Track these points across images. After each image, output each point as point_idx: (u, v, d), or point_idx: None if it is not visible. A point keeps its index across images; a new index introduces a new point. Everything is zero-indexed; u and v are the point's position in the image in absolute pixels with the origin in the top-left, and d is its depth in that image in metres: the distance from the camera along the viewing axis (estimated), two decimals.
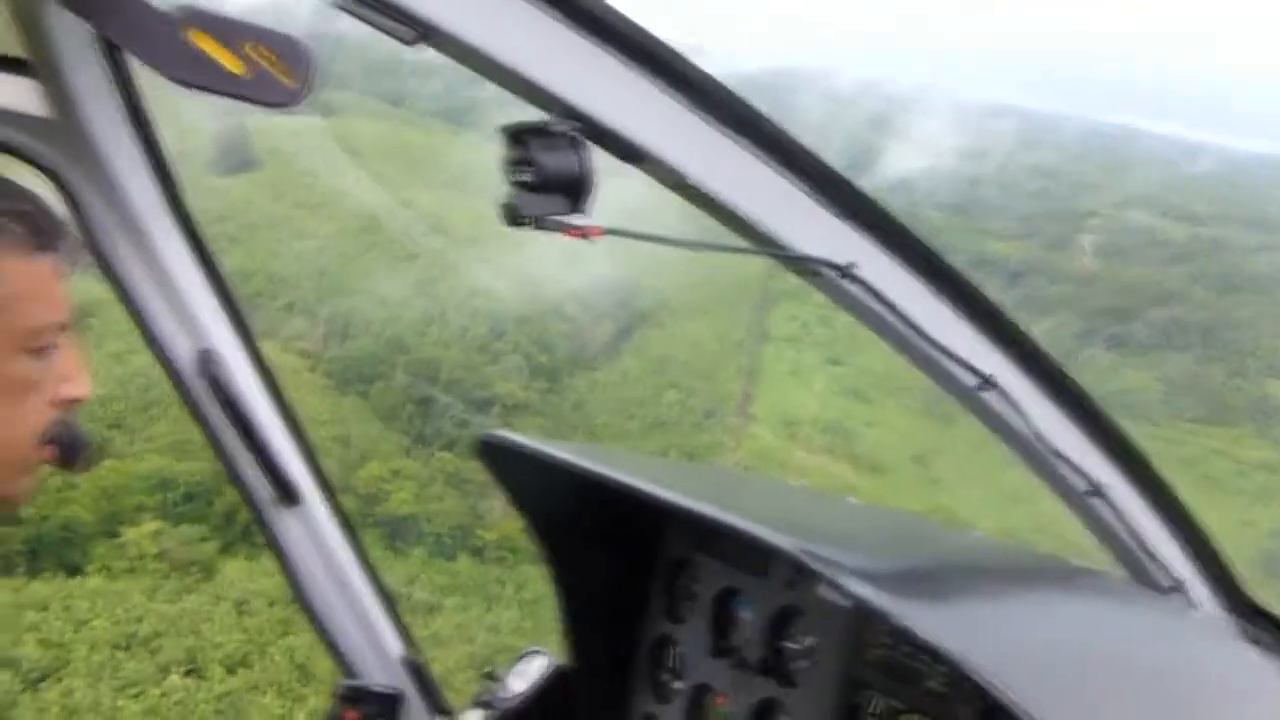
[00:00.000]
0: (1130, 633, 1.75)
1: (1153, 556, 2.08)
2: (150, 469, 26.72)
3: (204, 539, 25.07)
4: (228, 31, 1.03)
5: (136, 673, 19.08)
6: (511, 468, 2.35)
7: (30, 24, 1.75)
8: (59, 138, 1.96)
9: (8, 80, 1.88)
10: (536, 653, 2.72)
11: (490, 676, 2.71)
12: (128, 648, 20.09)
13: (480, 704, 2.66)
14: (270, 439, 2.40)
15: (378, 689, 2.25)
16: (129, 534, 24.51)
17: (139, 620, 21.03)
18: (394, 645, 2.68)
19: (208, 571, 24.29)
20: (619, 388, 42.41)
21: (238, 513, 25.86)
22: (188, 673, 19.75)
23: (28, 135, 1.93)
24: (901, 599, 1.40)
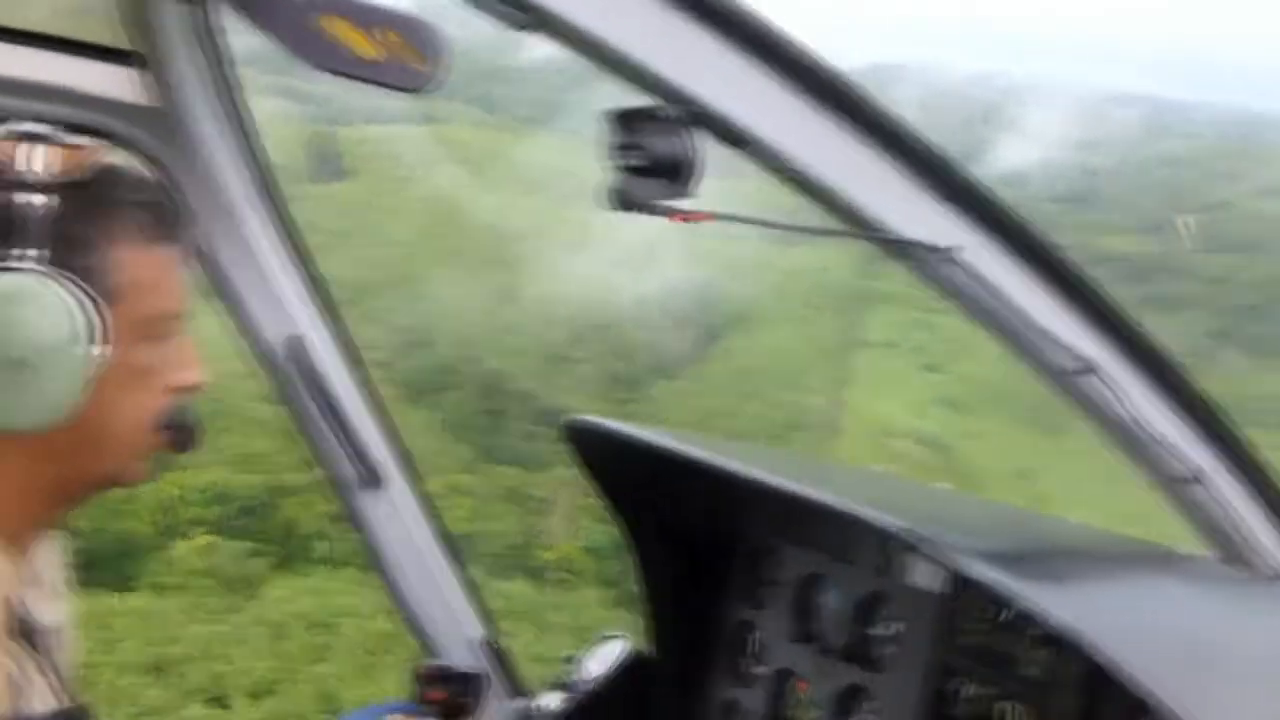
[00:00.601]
0: (1247, 619, 1.72)
1: (1253, 545, 2.03)
2: (210, 481, 26.50)
3: (255, 554, 24.78)
4: (362, 16, 1.05)
5: (158, 700, 18.70)
6: (596, 451, 2.37)
7: (137, 16, 1.79)
8: (160, 126, 2.00)
9: (115, 71, 1.93)
10: (614, 637, 2.74)
11: (568, 660, 2.74)
12: (155, 672, 19.66)
13: (558, 687, 2.68)
14: (356, 423, 2.44)
15: (461, 669, 2.28)
16: (179, 549, 24.15)
17: (172, 642, 20.66)
18: (473, 627, 2.72)
19: (253, 589, 24.15)
20: (699, 398, 40.75)
21: (294, 528, 26.05)
22: (210, 700, 19.42)
23: (131, 124, 1.98)
24: (1022, 580, 1.39)
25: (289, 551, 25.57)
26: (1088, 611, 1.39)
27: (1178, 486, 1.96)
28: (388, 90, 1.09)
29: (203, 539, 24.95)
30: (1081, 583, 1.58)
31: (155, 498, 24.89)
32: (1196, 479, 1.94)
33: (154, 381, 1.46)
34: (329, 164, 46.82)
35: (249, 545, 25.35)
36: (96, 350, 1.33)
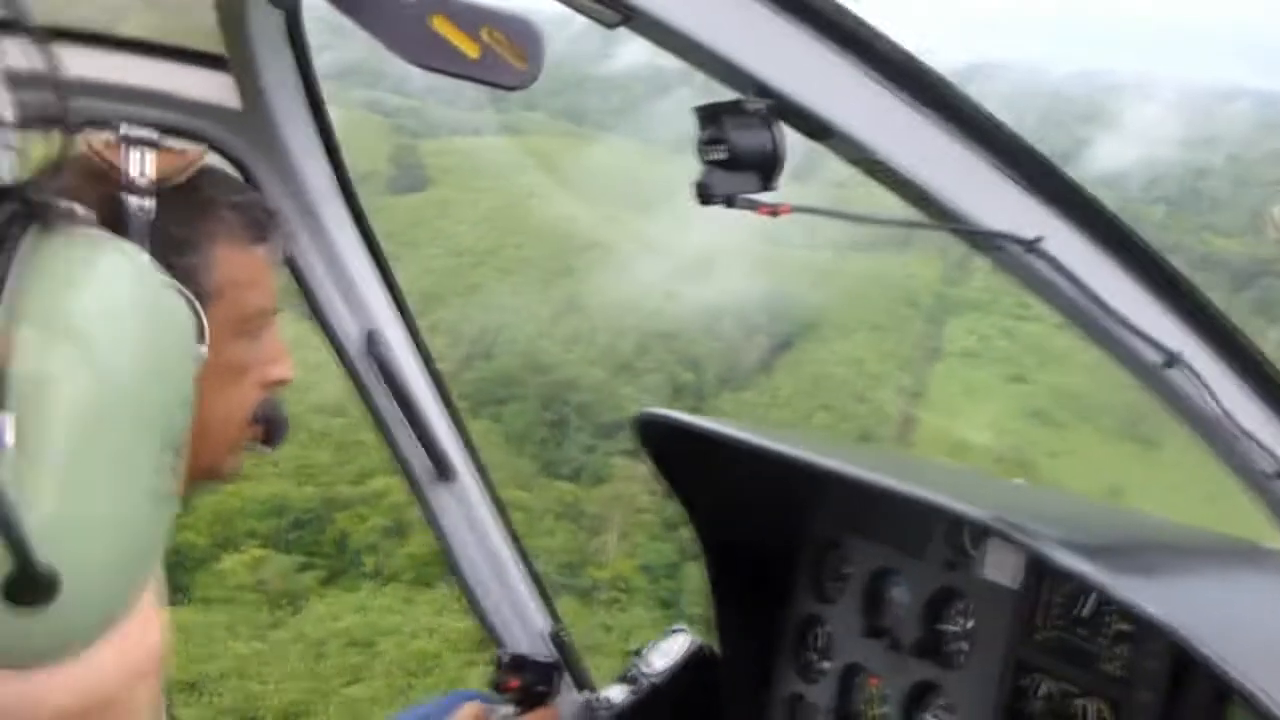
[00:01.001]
0: None
1: None
2: (268, 493, 26.80)
3: (304, 568, 24.87)
4: (468, 16, 1.07)
5: None
6: (666, 445, 2.39)
7: (230, 19, 1.84)
8: (247, 128, 2.06)
9: (206, 75, 1.99)
10: (680, 630, 2.75)
11: (635, 653, 2.76)
12: (190, 690, 19.63)
13: (623, 680, 2.71)
14: (428, 417, 2.49)
15: (540, 659, 2.32)
16: (227, 562, 24.23)
17: (211, 659, 20.69)
18: (541, 620, 2.75)
19: (298, 604, 24.04)
20: (767, 409, 39.84)
21: (347, 541, 26.10)
22: None
23: (220, 126, 2.04)
24: (1110, 571, 1.38)
25: (338, 566, 25.69)
26: (1179, 604, 1.38)
27: (1267, 483, 1.92)
28: (488, 88, 1.11)
29: (252, 553, 24.94)
30: (1170, 575, 1.56)
31: (215, 509, 25.04)
32: None
33: (248, 377, 1.52)
34: (410, 174, 47.18)
35: (299, 559, 25.37)
36: (204, 349, 1.38)
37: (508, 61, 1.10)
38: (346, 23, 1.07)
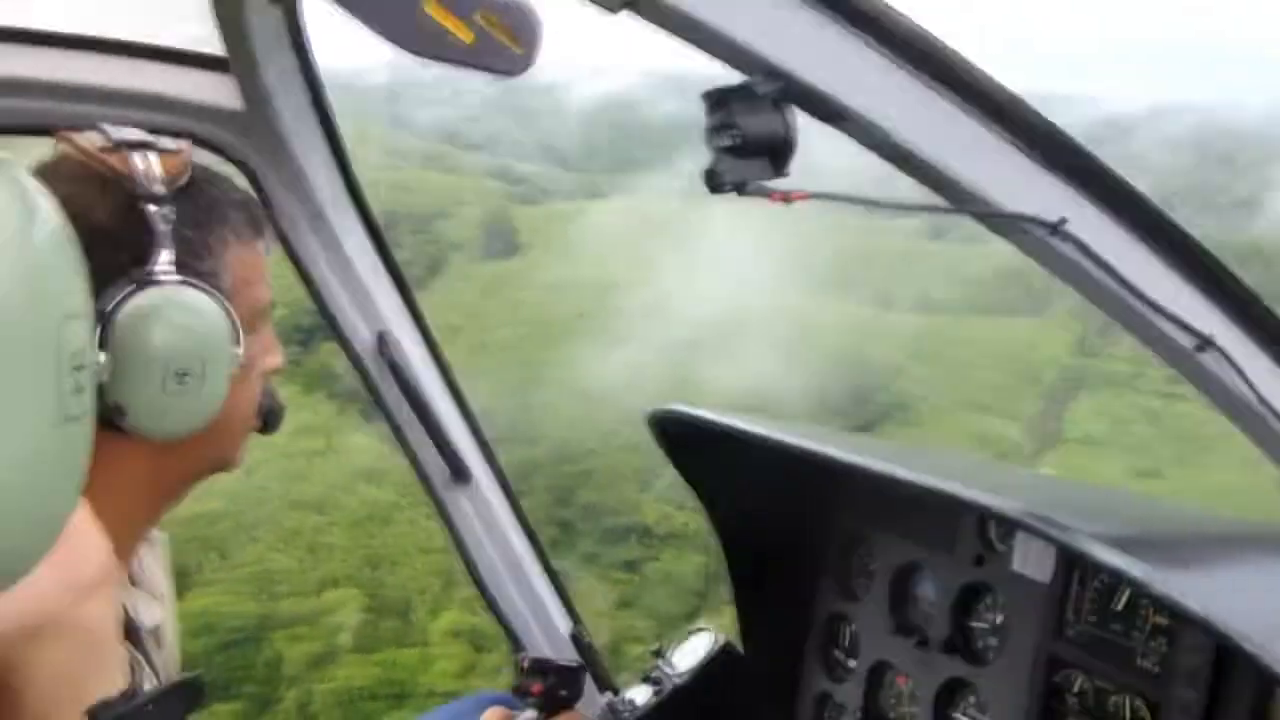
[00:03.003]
0: None
1: None
2: (203, 608, 24.37)
3: (224, 699, 22.45)
4: (461, 0, 1.03)
5: None
6: (684, 441, 2.34)
7: (230, 21, 1.81)
8: (251, 130, 2.03)
9: (207, 77, 1.96)
10: (703, 630, 2.71)
11: (657, 654, 2.72)
12: None
13: (647, 680, 2.67)
14: (442, 419, 2.46)
15: (562, 662, 2.28)
16: None
17: None
18: (562, 622, 2.71)
19: None
20: None
21: (278, 670, 24.10)
22: None
23: (222, 128, 2.01)
24: (1146, 563, 1.32)
25: (258, 701, 23.39)
26: (1220, 597, 1.32)
27: None
28: (483, 74, 1.07)
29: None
30: (1209, 566, 1.49)
31: None
32: None
33: (255, 370, 1.51)
34: (501, 240, 46.19)
35: (215, 692, 23.55)
36: (238, 350, 1.39)
37: (503, 46, 1.06)
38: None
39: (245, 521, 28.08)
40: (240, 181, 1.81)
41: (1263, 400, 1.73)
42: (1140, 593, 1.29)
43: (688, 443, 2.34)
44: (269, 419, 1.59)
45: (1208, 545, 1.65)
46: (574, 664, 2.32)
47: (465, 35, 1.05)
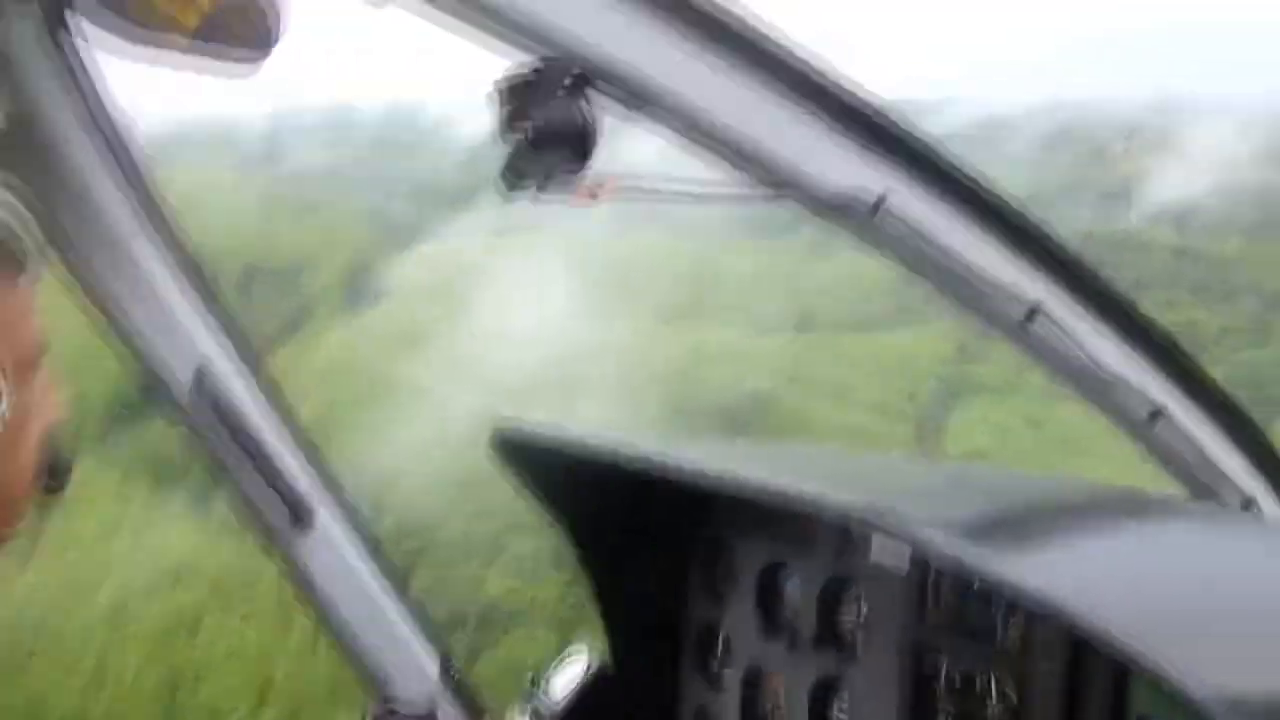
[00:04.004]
0: (1229, 558, 1.63)
1: (1222, 475, 1.96)
2: None
3: None
4: None
5: None
6: (530, 461, 2.24)
7: None
8: (18, 149, 1.83)
9: None
10: (578, 652, 2.61)
11: (534, 683, 2.61)
12: None
13: (523, 709, 2.55)
14: (278, 458, 2.29)
15: (412, 711, 2.14)
16: None
17: None
18: (428, 660, 2.57)
19: None
20: None
21: None
22: None
23: None
24: (988, 549, 1.29)
25: None
26: (1060, 575, 1.30)
27: (1141, 425, 1.88)
28: (219, 62, 0.96)
29: None
30: (1053, 544, 1.48)
31: None
32: (1160, 414, 1.86)
33: (28, 428, 1.34)
34: (363, 289, 44.12)
35: None
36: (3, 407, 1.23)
37: (238, 30, 0.94)
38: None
39: (19, 643, 23.98)
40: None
41: (1095, 363, 1.74)
42: (981, 580, 1.25)
43: (532, 459, 2.24)
44: (55, 478, 1.42)
45: (1052, 520, 1.64)
46: (426, 712, 2.19)
47: (189, 18, 0.93)
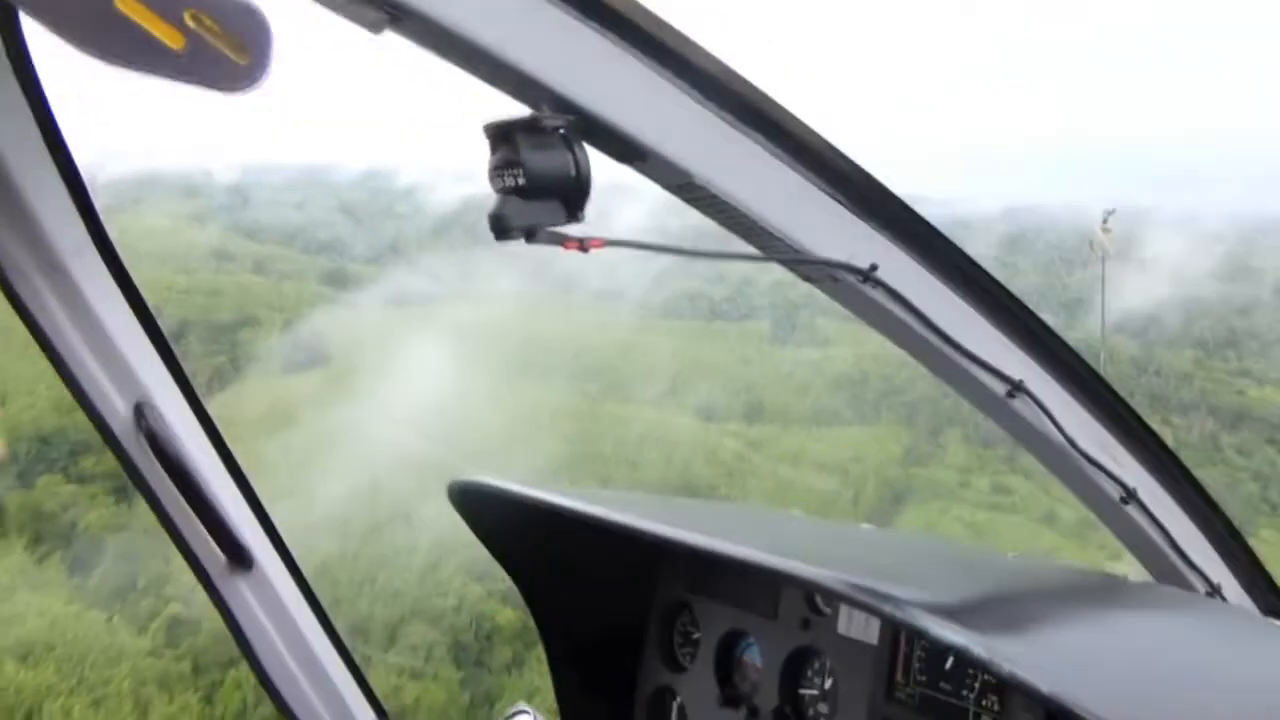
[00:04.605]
0: (1199, 642, 1.61)
1: (1189, 562, 1.95)
2: None
3: None
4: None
5: None
6: (487, 514, 2.15)
7: None
8: None
9: None
10: (523, 712, 2.50)
11: None
12: None
13: None
14: (218, 499, 2.18)
15: None
16: None
17: None
18: (364, 713, 2.45)
19: None
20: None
21: None
22: None
23: None
24: (971, 629, 1.24)
25: None
26: (1040, 656, 1.26)
27: (1112, 507, 1.87)
28: (204, 89, 0.88)
29: None
30: (1034, 627, 1.44)
31: None
32: (1132, 498, 1.85)
33: None
34: (306, 351, 43.12)
35: None
36: None
37: (223, 55, 0.87)
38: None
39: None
40: None
41: (1073, 444, 1.72)
42: (968, 661, 1.21)
43: (492, 515, 2.15)
44: None
45: (1031, 602, 1.60)
46: None
47: (173, 40, 0.85)
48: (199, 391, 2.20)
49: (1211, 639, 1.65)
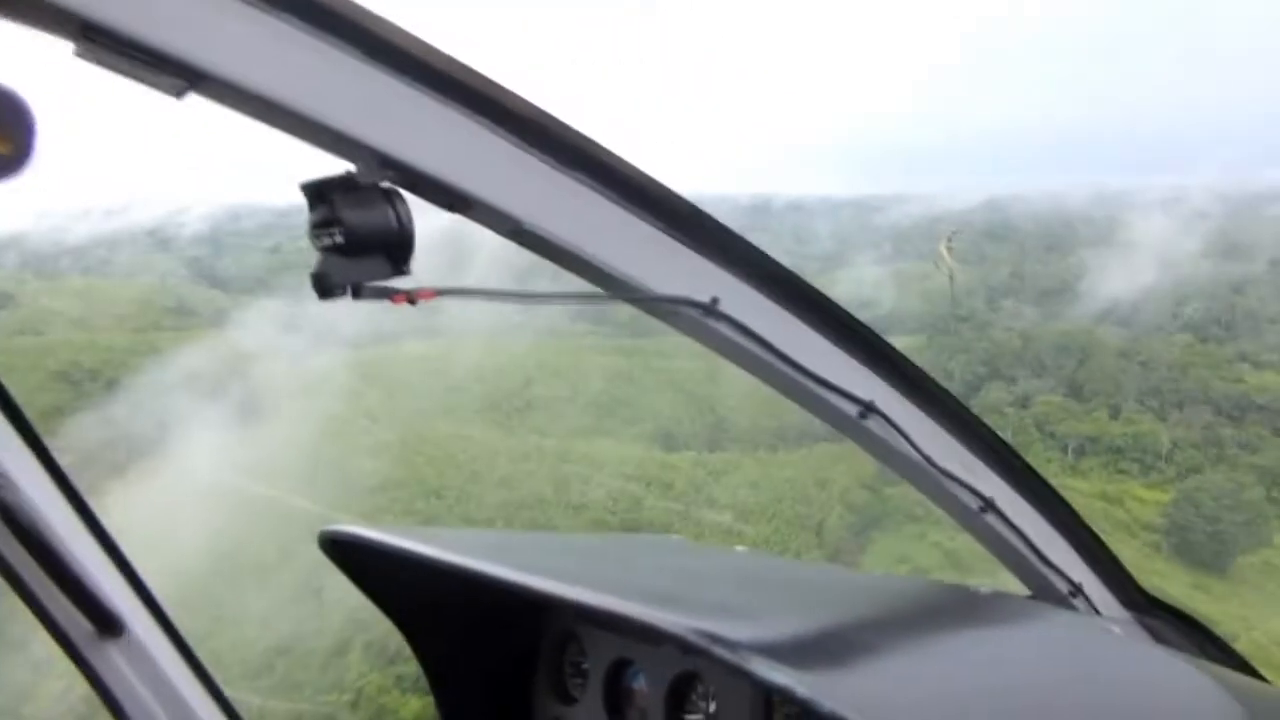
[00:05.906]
0: (1041, 658, 1.67)
1: (1050, 564, 2.02)
2: None
3: None
4: None
5: None
6: (364, 563, 2.11)
7: None
8: None
9: None
10: None
11: None
12: None
13: None
14: (82, 566, 2.09)
15: None
16: None
17: None
18: None
19: None
20: None
21: None
22: None
23: None
24: (803, 670, 1.27)
25: None
26: (862, 692, 1.28)
27: (972, 517, 1.92)
28: None
29: None
30: (861, 655, 1.45)
31: None
32: (990, 507, 1.91)
33: None
34: (247, 404, 42.20)
35: None
36: None
37: None
38: None
39: None
40: None
41: (925, 457, 1.77)
42: (793, 701, 1.23)
43: (367, 563, 2.12)
44: None
45: (870, 630, 1.62)
46: None
47: None
48: (57, 458, 2.12)
49: (1043, 651, 1.70)
